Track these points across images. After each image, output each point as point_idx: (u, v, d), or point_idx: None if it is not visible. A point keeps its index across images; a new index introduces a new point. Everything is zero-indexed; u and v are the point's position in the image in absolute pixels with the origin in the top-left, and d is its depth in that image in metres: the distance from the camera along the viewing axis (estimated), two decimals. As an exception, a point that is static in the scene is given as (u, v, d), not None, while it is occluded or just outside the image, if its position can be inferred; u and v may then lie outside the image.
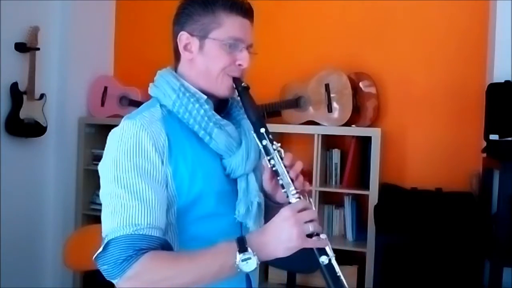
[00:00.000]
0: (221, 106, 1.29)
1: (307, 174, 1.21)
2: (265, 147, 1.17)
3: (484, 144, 2.51)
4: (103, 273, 1.08)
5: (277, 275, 2.89)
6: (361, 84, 2.95)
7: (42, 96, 3.09)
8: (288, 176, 1.14)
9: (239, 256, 1.02)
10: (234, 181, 1.23)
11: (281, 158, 1.16)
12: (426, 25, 2.94)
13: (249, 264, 1.03)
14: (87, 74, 3.43)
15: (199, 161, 1.18)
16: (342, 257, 2.84)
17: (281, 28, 3.13)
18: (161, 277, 1.05)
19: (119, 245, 1.05)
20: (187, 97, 1.19)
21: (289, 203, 1.13)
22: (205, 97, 1.22)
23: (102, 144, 4.15)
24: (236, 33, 1.20)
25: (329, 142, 3.00)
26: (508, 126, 2.45)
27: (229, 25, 1.20)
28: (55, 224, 3.28)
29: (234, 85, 1.22)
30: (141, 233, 1.06)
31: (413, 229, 2.44)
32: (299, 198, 1.13)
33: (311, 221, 1.06)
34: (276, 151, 1.16)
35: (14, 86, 2.94)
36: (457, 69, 2.88)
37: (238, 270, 1.03)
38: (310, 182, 1.19)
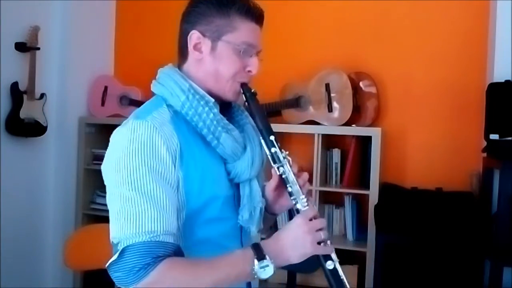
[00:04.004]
0: (225, 109, 1.27)
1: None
2: (274, 154, 1.18)
3: (484, 143, 2.51)
4: (115, 281, 1.07)
5: (277, 275, 2.87)
6: (361, 84, 2.95)
7: (42, 95, 3.09)
8: (298, 184, 1.16)
9: (257, 264, 1.04)
10: (236, 186, 1.23)
11: (290, 166, 1.18)
12: (426, 25, 2.94)
13: (267, 271, 1.04)
14: (87, 73, 3.43)
15: (208, 166, 1.17)
16: (342, 256, 2.83)
17: (282, 28, 3.12)
18: (179, 284, 1.04)
19: (136, 252, 1.03)
20: (196, 99, 1.17)
21: (297, 210, 1.15)
22: (213, 100, 1.20)
23: (102, 144, 4.14)
24: (249, 38, 1.21)
25: (329, 141, 3.00)
26: (508, 125, 2.45)
27: (243, 30, 1.20)
28: (55, 224, 3.28)
29: (242, 91, 1.22)
30: (157, 239, 1.05)
31: (413, 228, 2.43)
32: (307, 206, 1.15)
33: (321, 229, 1.10)
34: (285, 159, 1.18)
35: (14, 86, 2.94)
36: (457, 69, 2.87)
37: (256, 276, 1.04)
38: (310, 182, 1.26)
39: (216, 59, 1.19)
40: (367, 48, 3.04)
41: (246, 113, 1.31)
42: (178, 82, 1.19)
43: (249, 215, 1.20)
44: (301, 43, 3.15)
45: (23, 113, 2.96)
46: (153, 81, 1.25)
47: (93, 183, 3.39)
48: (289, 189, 1.16)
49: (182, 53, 1.24)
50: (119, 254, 1.05)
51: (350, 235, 2.90)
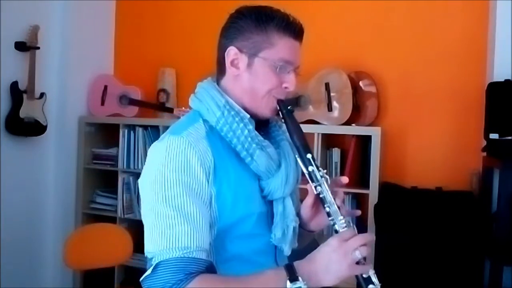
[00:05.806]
0: (261, 125, 1.28)
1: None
2: (311, 173, 1.15)
3: (484, 143, 2.51)
4: None
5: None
6: (361, 83, 2.95)
7: (42, 95, 3.09)
8: (335, 204, 1.13)
9: (290, 285, 1.01)
10: (270, 203, 1.23)
11: (328, 185, 1.15)
12: (426, 25, 2.93)
13: None
14: (87, 73, 3.43)
15: (241, 183, 1.17)
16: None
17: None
18: None
19: (169, 268, 1.04)
20: (232, 115, 1.17)
21: (335, 231, 1.13)
22: (248, 116, 1.20)
23: (102, 143, 4.14)
24: (287, 55, 1.20)
25: (329, 141, 3.00)
26: (508, 125, 2.45)
27: (281, 47, 1.19)
28: (55, 223, 3.28)
29: (278, 107, 1.22)
30: (190, 256, 1.05)
31: (413, 228, 2.43)
32: (346, 227, 1.12)
33: (359, 247, 1.06)
34: (323, 178, 1.15)
35: (14, 85, 2.94)
36: (457, 68, 2.87)
37: None
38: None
39: (252, 75, 1.20)
40: (367, 48, 3.04)
41: (284, 128, 1.29)
42: (214, 97, 1.20)
43: (282, 233, 1.19)
44: (301, 42, 3.15)
45: (23, 113, 2.97)
46: (191, 96, 1.25)
47: (93, 182, 3.40)
48: (327, 209, 1.14)
49: (220, 68, 1.24)
50: (153, 268, 1.05)
51: (350, 235, 2.89)
